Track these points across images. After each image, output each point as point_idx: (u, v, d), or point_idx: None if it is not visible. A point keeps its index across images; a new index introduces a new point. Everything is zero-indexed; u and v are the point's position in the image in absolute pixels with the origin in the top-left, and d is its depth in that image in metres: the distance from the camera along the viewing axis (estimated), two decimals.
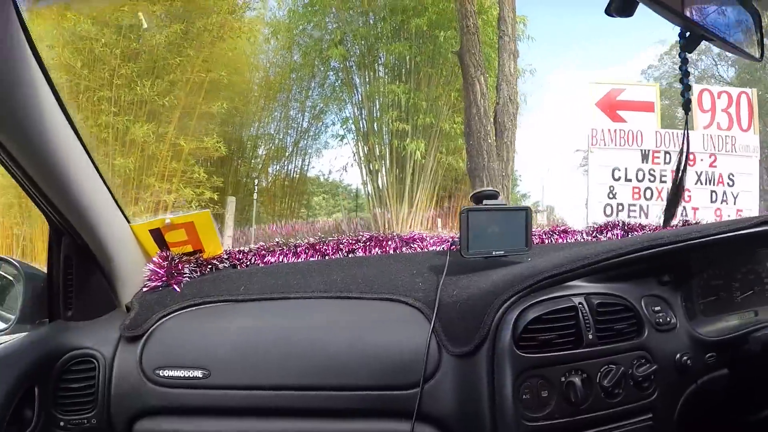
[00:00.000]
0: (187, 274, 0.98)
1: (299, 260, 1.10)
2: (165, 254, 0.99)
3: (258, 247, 1.11)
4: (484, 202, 0.93)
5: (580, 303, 0.77)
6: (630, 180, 4.77)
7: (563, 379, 0.73)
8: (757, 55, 0.68)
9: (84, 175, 0.82)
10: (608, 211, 4.71)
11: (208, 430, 0.83)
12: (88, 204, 0.83)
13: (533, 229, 1.05)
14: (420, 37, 7.91)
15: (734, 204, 4.74)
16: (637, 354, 0.79)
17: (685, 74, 0.63)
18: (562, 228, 1.24)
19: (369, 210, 8.22)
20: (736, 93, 4.92)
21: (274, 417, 0.81)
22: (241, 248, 1.11)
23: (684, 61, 0.63)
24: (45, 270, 0.90)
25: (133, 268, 0.96)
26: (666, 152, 4.77)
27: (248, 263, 1.09)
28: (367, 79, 8.38)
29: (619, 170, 4.79)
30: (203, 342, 0.85)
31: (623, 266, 0.84)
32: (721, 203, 4.74)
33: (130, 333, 0.86)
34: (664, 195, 4.62)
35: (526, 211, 0.95)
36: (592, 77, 5.11)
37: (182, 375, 0.81)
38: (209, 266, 1.04)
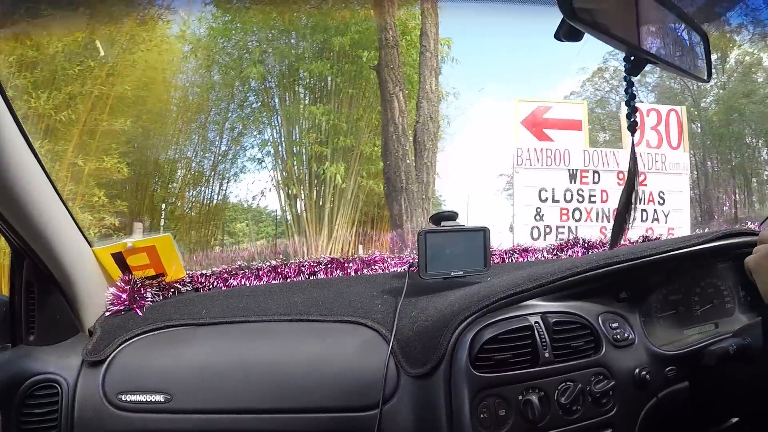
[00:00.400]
0: (150, 298, 0.99)
1: (261, 283, 1.14)
2: (127, 278, 0.99)
3: (220, 270, 1.13)
4: (443, 223, 0.97)
5: (536, 322, 0.78)
6: (558, 201, 4.50)
7: (520, 397, 0.74)
8: (705, 77, 0.71)
9: (43, 196, 0.81)
10: (535, 234, 4.43)
11: None
12: (48, 226, 0.82)
13: (493, 249, 1.10)
14: (342, 57, 7.62)
15: (665, 222, 4.57)
16: (594, 371, 0.79)
17: (631, 97, 0.64)
18: (523, 247, 1.30)
19: (289, 236, 8.00)
20: (665, 111, 4.78)
21: None
22: (203, 271, 1.12)
23: (629, 84, 0.63)
24: (7, 294, 0.86)
25: (96, 292, 0.95)
26: (595, 171, 4.57)
27: (210, 286, 1.11)
28: (287, 101, 8.24)
29: (546, 191, 4.51)
30: (165, 366, 0.86)
31: (579, 285, 0.85)
32: (653, 222, 4.56)
33: (93, 358, 0.85)
34: (594, 216, 4.51)
35: (485, 231, 0.96)
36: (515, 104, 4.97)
37: (144, 399, 0.81)
38: (171, 290, 1.05)
